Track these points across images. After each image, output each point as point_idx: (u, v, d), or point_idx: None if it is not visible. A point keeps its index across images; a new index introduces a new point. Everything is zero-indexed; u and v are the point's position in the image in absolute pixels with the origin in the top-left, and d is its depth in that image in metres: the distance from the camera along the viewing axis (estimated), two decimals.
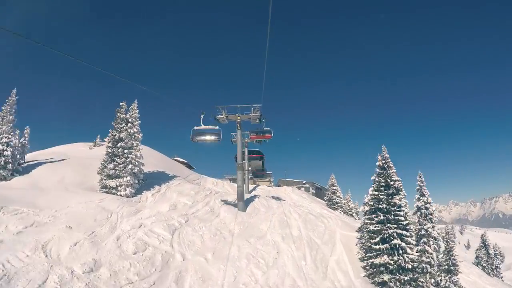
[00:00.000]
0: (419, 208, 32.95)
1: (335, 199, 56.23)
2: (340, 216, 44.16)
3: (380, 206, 25.83)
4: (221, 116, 32.23)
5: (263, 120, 45.01)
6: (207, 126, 26.49)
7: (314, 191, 69.73)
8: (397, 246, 24.64)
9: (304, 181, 71.58)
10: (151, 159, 43.19)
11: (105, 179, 26.64)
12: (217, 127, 26.58)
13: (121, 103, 30.25)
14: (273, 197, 41.02)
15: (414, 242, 26.08)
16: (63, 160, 33.88)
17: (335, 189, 57.04)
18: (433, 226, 32.12)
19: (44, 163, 31.64)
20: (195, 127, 26.32)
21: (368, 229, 25.55)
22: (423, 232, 31.00)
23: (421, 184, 33.50)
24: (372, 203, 26.43)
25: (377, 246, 24.67)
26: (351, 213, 59.67)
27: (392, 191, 26.27)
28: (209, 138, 26.11)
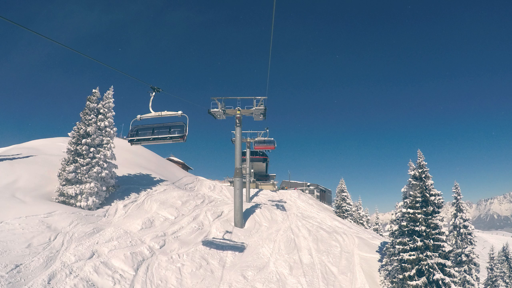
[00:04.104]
0: (455, 227, 27.04)
1: (344, 206, 50.86)
2: (354, 229, 38.25)
3: (417, 228, 20.05)
4: (217, 110, 26.50)
5: (267, 129, 40.70)
6: (160, 113, 13.85)
7: (318, 194, 65.09)
8: (439, 282, 18.84)
9: (308, 184, 67.16)
10: (138, 159, 37.61)
11: (63, 185, 20.80)
12: (179, 112, 13.64)
13: (93, 90, 24.44)
14: (277, 206, 35.47)
15: (457, 275, 20.25)
16: (28, 157, 28.21)
17: (345, 196, 51.76)
18: (472, 249, 26.20)
19: (4, 159, 26.03)
20: (139, 116, 13.95)
21: (401, 258, 19.70)
22: (463, 257, 25.06)
23: (458, 197, 27.54)
24: (405, 223, 20.60)
25: (413, 283, 18.91)
26: (361, 221, 54.50)
27: (431, 208, 20.46)
28: (162, 136, 13.70)
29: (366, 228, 52.79)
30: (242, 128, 27.68)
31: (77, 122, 23.32)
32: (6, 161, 25.91)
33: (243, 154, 41.19)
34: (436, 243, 19.67)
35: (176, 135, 13.37)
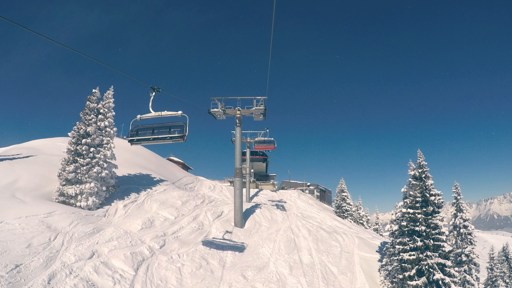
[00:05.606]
0: (455, 227, 27.03)
1: (344, 206, 50.85)
2: (354, 229, 38.25)
3: (417, 228, 20.04)
4: (217, 110, 26.51)
5: (267, 129, 40.69)
6: (160, 113, 13.78)
7: (318, 194, 65.07)
8: (439, 282, 18.83)
9: (308, 184, 67.18)
10: (138, 159, 37.60)
11: (63, 185, 20.80)
12: (179, 112, 13.61)
13: (93, 90, 24.43)
14: (277, 206, 35.45)
15: (457, 275, 20.23)
16: (28, 157, 28.21)
17: (345, 196, 51.73)
18: (472, 249, 26.19)
19: (4, 159, 26.03)
20: (139, 116, 13.95)
21: (401, 258, 19.68)
22: (463, 257, 25.05)
23: (458, 197, 27.53)
24: (405, 223, 20.58)
25: (413, 283, 18.89)
26: (361, 221, 54.48)
27: (431, 208, 20.44)
28: (162, 136, 13.68)
29: (366, 228, 52.78)
30: (242, 128, 27.68)
31: (77, 122, 23.31)
32: (6, 161, 25.89)
33: (243, 154, 41.20)
34: (436, 243, 19.65)
35: (176, 135, 13.42)
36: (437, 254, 19.39)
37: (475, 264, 25.56)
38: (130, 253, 15.82)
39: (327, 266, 21.07)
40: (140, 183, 28.04)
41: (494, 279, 27.54)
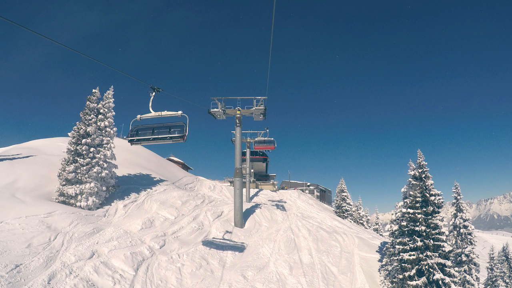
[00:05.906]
0: (455, 227, 27.03)
1: (344, 206, 50.85)
2: (354, 229, 38.25)
3: (417, 228, 20.03)
4: (217, 110, 26.52)
5: (267, 129, 40.70)
6: (160, 113, 13.70)
7: (318, 194, 65.09)
8: (439, 282, 18.83)
9: (308, 184, 67.19)
10: (138, 159, 37.61)
11: (63, 185, 20.80)
12: (179, 112, 13.54)
13: (93, 90, 24.43)
14: (277, 206, 35.46)
15: (457, 275, 20.23)
16: (28, 157, 28.21)
17: (345, 196, 51.75)
18: (472, 249, 26.19)
19: (4, 159, 26.03)
20: (139, 116, 13.89)
21: (401, 258, 19.68)
22: (463, 257, 25.05)
23: (458, 197, 27.53)
24: (405, 223, 20.59)
25: (413, 283, 18.89)
26: (361, 221, 54.49)
27: (431, 208, 20.44)
28: (162, 136, 13.61)
29: (366, 228, 52.82)
30: (242, 128, 27.69)
31: (77, 122, 23.31)
32: (6, 161, 25.89)
33: (243, 154, 41.23)
34: (436, 243, 19.66)
35: (176, 135, 13.43)
36: (437, 254, 19.40)
37: (475, 264, 25.56)
38: (130, 253, 15.83)
39: (327, 266, 21.07)
40: (140, 183, 28.05)
41: (494, 279, 27.55)
